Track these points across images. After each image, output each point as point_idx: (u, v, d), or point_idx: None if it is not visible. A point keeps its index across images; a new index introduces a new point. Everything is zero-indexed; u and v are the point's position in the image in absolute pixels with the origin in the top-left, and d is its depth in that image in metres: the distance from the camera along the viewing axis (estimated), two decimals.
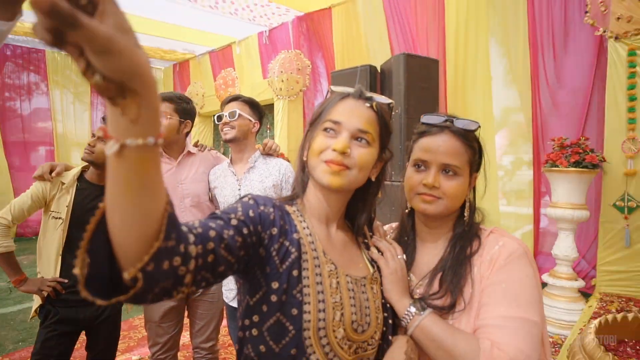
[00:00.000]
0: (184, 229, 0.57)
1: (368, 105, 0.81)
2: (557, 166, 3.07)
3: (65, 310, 1.73)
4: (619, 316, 2.57)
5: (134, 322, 3.52)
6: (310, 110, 5.92)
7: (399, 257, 0.89)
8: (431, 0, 4.44)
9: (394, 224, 1.07)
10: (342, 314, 0.74)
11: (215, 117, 1.90)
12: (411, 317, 0.81)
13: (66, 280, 1.72)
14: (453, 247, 0.90)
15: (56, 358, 1.71)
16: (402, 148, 3.27)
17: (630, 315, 2.58)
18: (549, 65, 3.78)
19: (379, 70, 3.91)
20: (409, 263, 0.94)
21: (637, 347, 2.49)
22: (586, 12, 3.24)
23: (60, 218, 1.72)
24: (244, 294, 0.76)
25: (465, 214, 0.93)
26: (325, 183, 0.77)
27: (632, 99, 3.03)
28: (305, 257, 0.75)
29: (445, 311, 0.83)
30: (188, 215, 1.92)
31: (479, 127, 0.91)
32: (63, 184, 1.75)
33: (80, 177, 1.81)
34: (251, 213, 0.72)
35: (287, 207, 0.81)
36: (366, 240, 0.92)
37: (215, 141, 7.65)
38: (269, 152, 1.94)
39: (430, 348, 0.79)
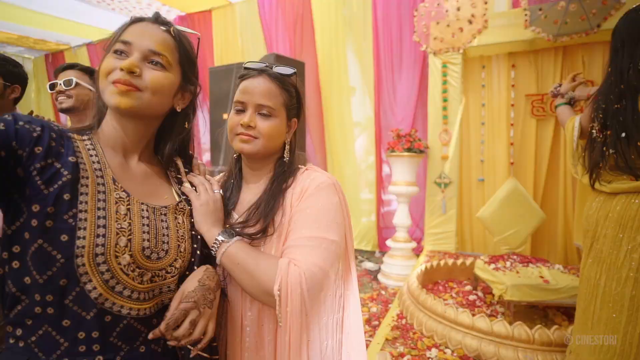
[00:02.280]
0: None
1: (164, 29, 0.79)
2: (395, 152, 3.82)
3: None
4: (434, 264, 3.34)
5: None
6: None
7: (216, 191, 0.91)
8: (300, 16, 5.07)
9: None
10: (129, 240, 0.72)
11: (48, 86, 1.70)
12: (219, 245, 0.83)
13: None
14: (271, 184, 0.94)
15: None
16: None
17: (442, 262, 3.38)
18: (388, 78, 4.65)
19: None
20: (233, 203, 0.98)
21: (446, 285, 3.27)
22: (414, 31, 4.11)
23: None
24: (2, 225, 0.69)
25: (285, 156, 0.97)
26: (113, 104, 0.74)
27: (445, 100, 3.95)
28: (84, 182, 0.71)
29: (257, 238, 0.88)
30: None
31: (295, 73, 0.97)
32: None
33: None
34: (1, 126, 0.64)
35: (72, 135, 0.76)
36: (179, 176, 0.92)
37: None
38: None
39: (235, 273, 0.82)
